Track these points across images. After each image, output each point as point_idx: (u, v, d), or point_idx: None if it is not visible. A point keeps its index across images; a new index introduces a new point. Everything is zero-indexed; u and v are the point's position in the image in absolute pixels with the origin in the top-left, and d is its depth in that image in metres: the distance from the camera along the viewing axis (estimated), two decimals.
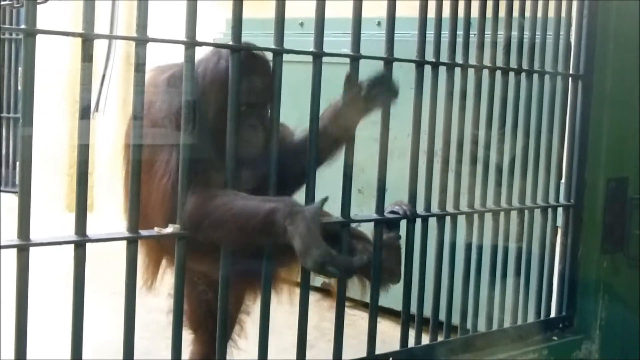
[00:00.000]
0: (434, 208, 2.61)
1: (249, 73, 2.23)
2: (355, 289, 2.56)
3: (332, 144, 2.40)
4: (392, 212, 2.50)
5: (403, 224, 2.52)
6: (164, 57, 2.25)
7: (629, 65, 3.12)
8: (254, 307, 2.70)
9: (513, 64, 2.78)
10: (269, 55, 2.19)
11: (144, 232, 2.00)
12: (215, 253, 2.12)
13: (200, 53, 2.18)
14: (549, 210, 2.97)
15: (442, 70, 2.56)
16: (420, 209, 2.56)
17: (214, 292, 2.39)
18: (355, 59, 2.32)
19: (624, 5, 3.07)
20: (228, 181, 2.10)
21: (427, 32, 2.49)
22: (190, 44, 1.99)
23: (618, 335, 3.19)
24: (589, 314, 3.10)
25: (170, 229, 2.02)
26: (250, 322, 2.79)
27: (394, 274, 2.50)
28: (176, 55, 2.10)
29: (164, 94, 2.23)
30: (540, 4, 2.84)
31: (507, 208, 2.81)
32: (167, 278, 2.46)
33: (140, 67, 1.92)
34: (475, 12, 2.63)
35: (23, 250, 1.73)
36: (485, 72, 2.70)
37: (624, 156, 3.17)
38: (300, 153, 2.35)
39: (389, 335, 3.40)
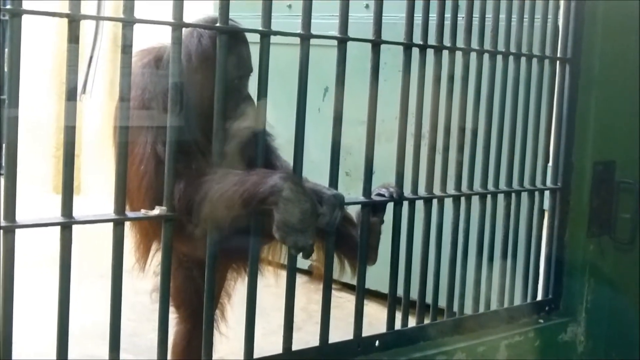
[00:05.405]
0: (421, 191, 2.61)
1: (233, 46, 2.21)
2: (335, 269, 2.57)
3: None
4: (379, 194, 2.51)
5: (389, 206, 2.53)
6: (151, 38, 2.24)
7: (616, 48, 3.13)
8: (241, 290, 2.70)
9: (501, 47, 2.78)
10: (256, 37, 2.18)
11: (130, 214, 1.99)
12: (201, 234, 2.12)
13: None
14: (536, 193, 2.98)
15: (430, 53, 2.56)
16: (407, 191, 2.56)
17: (198, 269, 2.39)
18: (342, 41, 2.31)
19: None
20: (216, 160, 2.09)
21: (415, 15, 2.49)
22: (178, 25, 1.98)
23: (604, 318, 3.21)
24: (575, 297, 3.12)
25: (157, 211, 2.02)
26: (237, 304, 2.79)
27: (370, 256, 2.50)
28: (163, 36, 2.09)
29: (150, 76, 2.22)
30: None
31: (494, 191, 2.82)
32: (153, 259, 2.46)
33: (127, 48, 1.90)
34: None
35: (9, 232, 1.73)
36: (473, 55, 2.70)
37: (611, 140, 3.18)
38: None
39: (376, 317, 3.42)
